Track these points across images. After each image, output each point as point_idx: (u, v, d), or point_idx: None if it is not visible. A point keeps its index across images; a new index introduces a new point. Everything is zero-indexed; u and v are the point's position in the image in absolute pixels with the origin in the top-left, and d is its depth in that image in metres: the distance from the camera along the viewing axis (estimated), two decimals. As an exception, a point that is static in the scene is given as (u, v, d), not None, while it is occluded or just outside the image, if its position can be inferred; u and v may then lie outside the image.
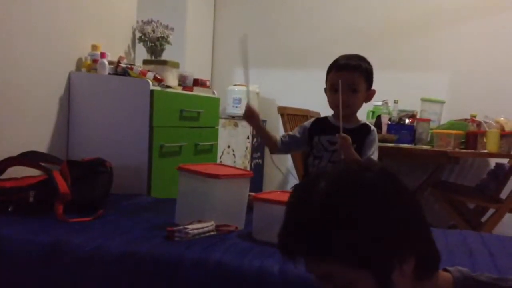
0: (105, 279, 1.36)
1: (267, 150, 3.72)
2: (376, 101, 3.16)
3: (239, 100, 3.56)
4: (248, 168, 3.47)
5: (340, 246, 0.77)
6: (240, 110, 3.54)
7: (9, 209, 1.73)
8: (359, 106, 1.78)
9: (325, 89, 1.80)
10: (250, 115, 1.78)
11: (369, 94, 1.79)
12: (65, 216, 1.66)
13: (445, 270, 0.97)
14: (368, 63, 1.77)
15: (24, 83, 2.12)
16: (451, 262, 1.31)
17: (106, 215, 1.74)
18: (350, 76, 1.72)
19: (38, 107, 2.22)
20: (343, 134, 1.65)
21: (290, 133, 1.93)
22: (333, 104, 1.77)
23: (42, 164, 1.89)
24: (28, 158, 1.89)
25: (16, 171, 1.92)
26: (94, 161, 1.97)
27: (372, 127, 1.82)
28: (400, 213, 0.82)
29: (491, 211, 3.03)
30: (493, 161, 3.29)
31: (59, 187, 1.72)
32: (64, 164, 1.86)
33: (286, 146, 1.89)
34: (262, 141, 1.94)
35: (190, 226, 1.48)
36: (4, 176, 1.89)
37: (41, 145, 2.23)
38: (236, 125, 3.51)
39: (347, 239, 0.77)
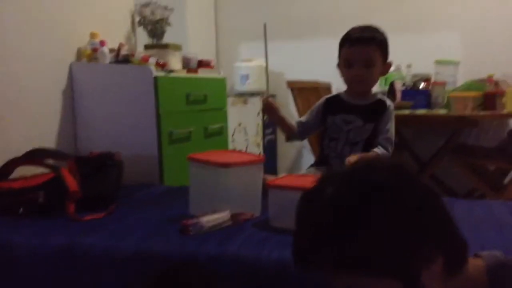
0: (120, 279, 1.32)
1: (279, 125, 3.67)
2: (388, 67, 3.07)
3: (247, 76, 3.47)
4: (261, 145, 3.41)
5: (359, 257, 0.71)
6: (249, 87, 3.47)
7: (20, 211, 1.69)
8: (375, 81, 1.68)
9: (338, 64, 1.71)
10: (269, 109, 1.72)
11: (385, 67, 1.69)
12: (77, 215, 1.62)
13: (476, 255, 0.91)
14: (383, 33, 1.66)
15: (24, 78, 2.07)
16: (481, 239, 1.24)
17: (118, 210, 1.69)
18: (365, 50, 1.61)
19: (41, 101, 2.17)
20: (352, 158, 1.54)
21: (302, 120, 1.84)
22: (348, 80, 1.68)
23: (49, 162, 1.85)
24: (34, 156, 1.85)
25: (24, 170, 1.89)
26: (102, 155, 1.92)
27: (388, 103, 1.73)
28: (418, 212, 0.75)
29: (513, 172, 2.95)
30: (512, 121, 3.19)
31: (68, 185, 1.68)
32: (71, 160, 1.81)
33: (301, 134, 1.84)
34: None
35: (204, 218, 1.43)
36: (11, 176, 1.85)
37: (49, 141, 2.20)
38: (245, 102, 3.44)
39: (365, 248, 0.71)
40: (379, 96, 1.81)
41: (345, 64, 1.66)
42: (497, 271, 0.85)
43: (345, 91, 1.76)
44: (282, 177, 1.59)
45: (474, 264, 0.86)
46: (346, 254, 0.71)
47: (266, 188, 1.58)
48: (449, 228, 0.82)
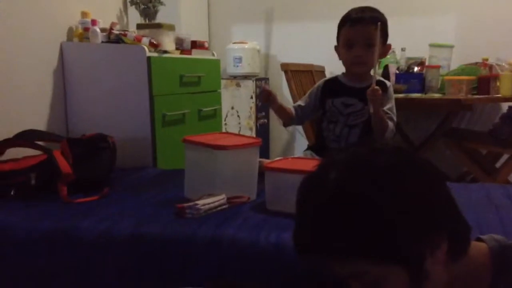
0: (115, 263, 1.30)
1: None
2: (382, 50, 3.04)
3: (240, 58, 3.43)
4: (254, 129, 3.38)
5: (363, 242, 0.69)
6: (242, 69, 3.42)
7: (12, 193, 1.66)
8: (375, 62, 1.67)
9: (336, 46, 1.68)
10: (267, 96, 1.68)
11: (385, 49, 1.67)
12: (70, 197, 1.59)
13: (479, 239, 0.90)
14: (383, 15, 1.64)
15: (13, 59, 2.01)
16: (478, 221, 1.24)
17: (112, 193, 1.67)
18: (366, 30, 1.59)
19: (31, 82, 2.11)
20: (375, 86, 1.52)
21: (301, 104, 1.81)
22: (348, 61, 1.66)
23: (41, 143, 1.81)
24: (25, 138, 1.81)
25: (15, 152, 1.85)
26: (95, 137, 1.89)
27: (388, 83, 1.71)
28: (423, 196, 0.73)
29: (505, 156, 2.95)
30: (505, 105, 3.18)
31: (60, 167, 1.65)
32: (64, 142, 1.78)
33: (300, 119, 1.81)
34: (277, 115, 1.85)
35: (200, 202, 1.41)
36: (2, 158, 1.81)
37: (40, 123, 2.15)
38: (238, 85, 3.40)
39: (371, 233, 0.69)
40: (378, 77, 1.79)
41: (345, 44, 1.63)
42: (501, 254, 0.84)
43: (343, 74, 1.73)
44: (279, 160, 1.57)
45: (477, 247, 0.85)
46: (352, 240, 0.70)
47: (261, 171, 1.56)
48: (454, 211, 0.80)
